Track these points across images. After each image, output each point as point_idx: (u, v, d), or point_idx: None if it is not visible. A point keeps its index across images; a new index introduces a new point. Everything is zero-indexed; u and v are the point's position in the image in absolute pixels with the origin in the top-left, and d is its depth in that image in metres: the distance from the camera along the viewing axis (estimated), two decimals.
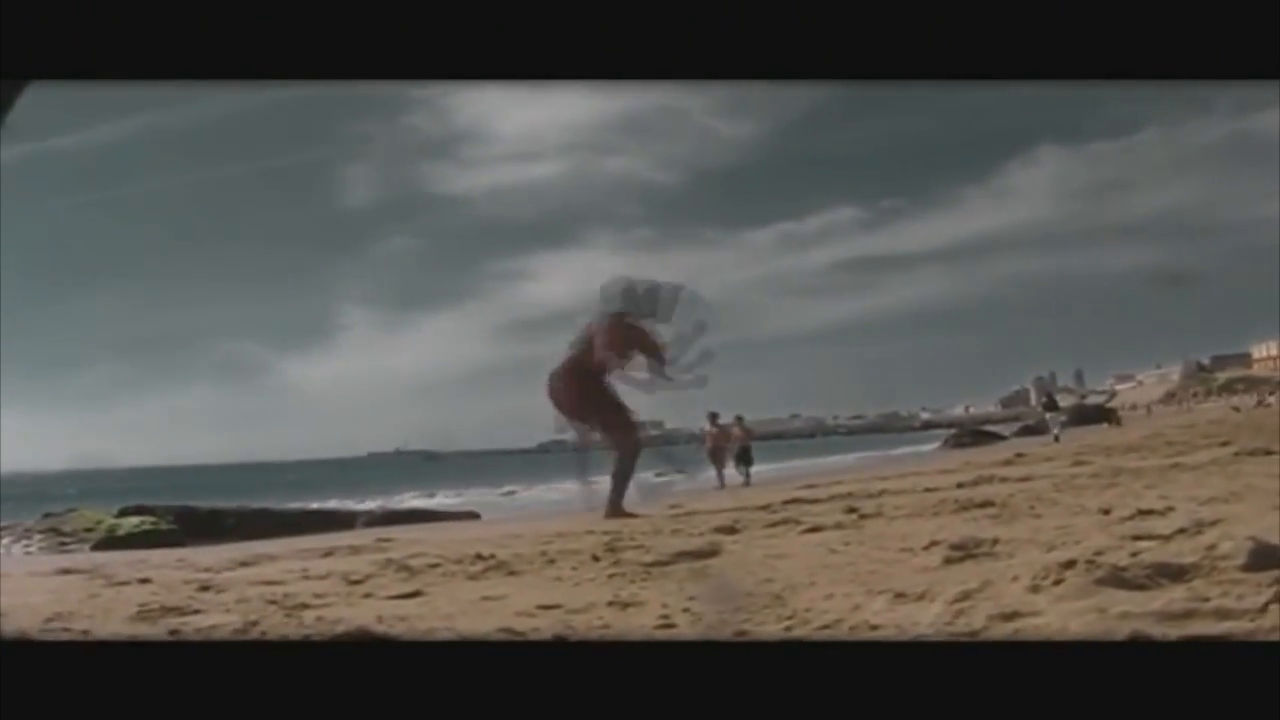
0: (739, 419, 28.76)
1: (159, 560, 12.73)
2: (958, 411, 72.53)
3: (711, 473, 27.69)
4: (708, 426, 28.06)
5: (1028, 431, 45.56)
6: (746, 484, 26.71)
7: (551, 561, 9.45)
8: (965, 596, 5.88)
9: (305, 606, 7.59)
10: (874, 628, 5.52)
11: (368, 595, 8.31)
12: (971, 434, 46.30)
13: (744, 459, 28.34)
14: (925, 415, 76.91)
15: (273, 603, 7.78)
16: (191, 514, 20.34)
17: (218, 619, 7.10)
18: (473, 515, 22.29)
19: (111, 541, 19.07)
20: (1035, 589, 5.87)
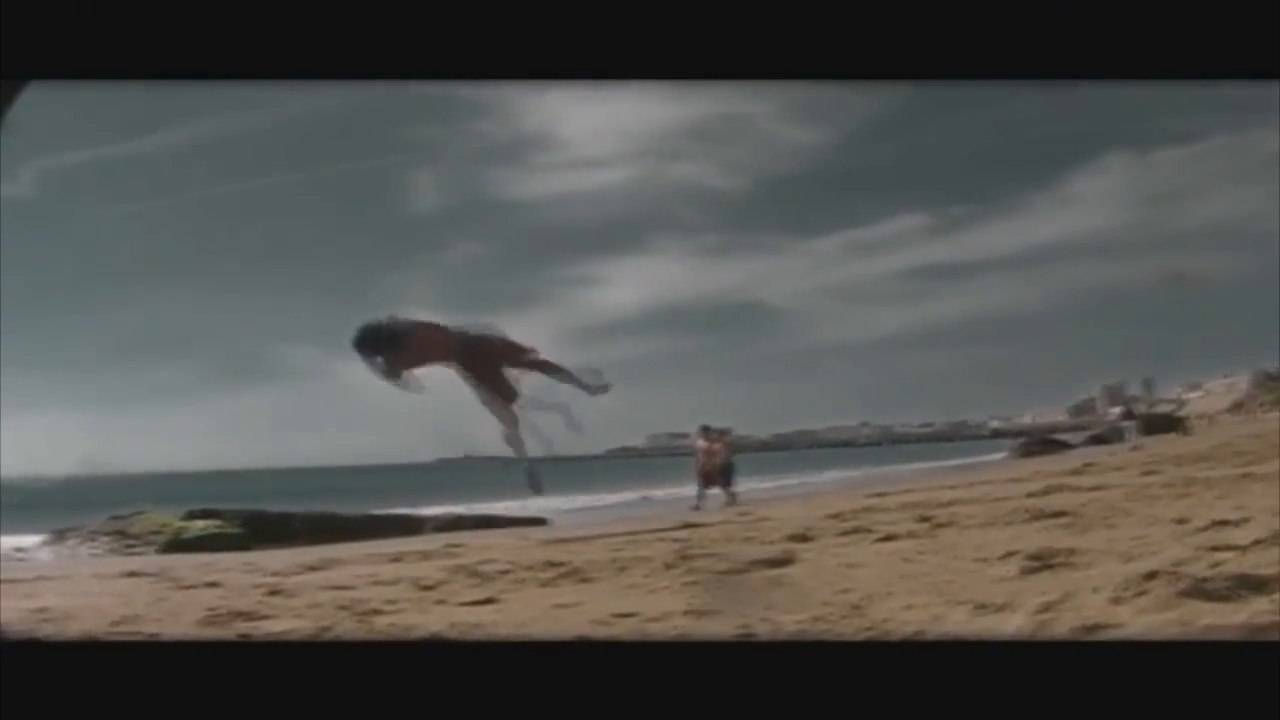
0: (722, 432, 25.97)
1: (227, 564, 12.75)
2: (1026, 420, 71.46)
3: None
4: (699, 442, 25.51)
5: (1096, 440, 44.91)
6: (731, 502, 23.74)
7: (623, 569, 9.43)
8: (1047, 608, 5.80)
9: (377, 612, 7.58)
10: (956, 639, 5.43)
11: (440, 601, 8.31)
12: (1040, 442, 45.60)
13: (724, 475, 25.08)
14: (994, 424, 75.99)
15: (344, 608, 7.77)
16: (258, 518, 20.11)
17: (288, 624, 7.09)
18: (540, 521, 22.10)
19: (178, 544, 18.85)
20: (1117, 600, 5.80)
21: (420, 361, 11.11)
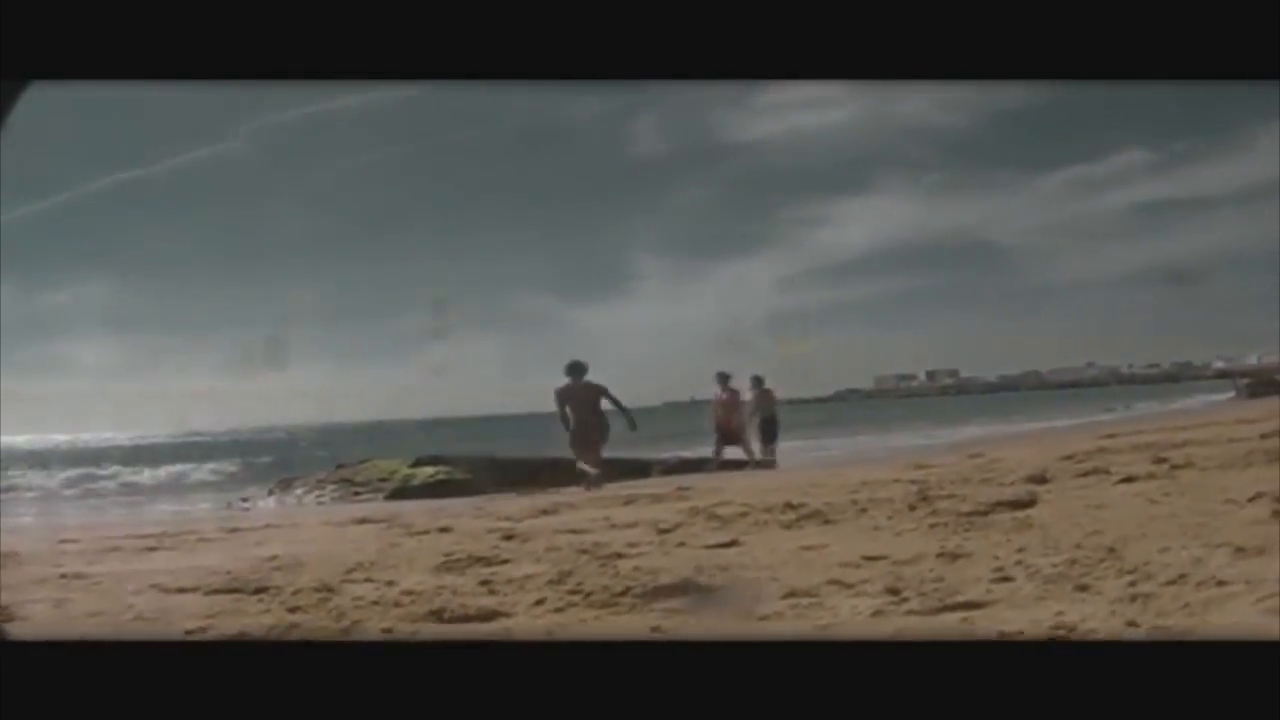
0: (759, 381, 23.09)
1: (457, 509, 13.11)
2: (1251, 361, 69.33)
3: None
4: (718, 392, 22.46)
5: None
6: (768, 464, 22.09)
7: (864, 510, 9.28)
8: None
9: (619, 556, 7.58)
10: (1221, 583, 5.25)
11: (681, 544, 8.26)
12: (1266, 384, 44.32)
13: (767, 432, 22.86)
14: (1219, 364, 74.19)
15: (584, 552, 7.80)
16: (486, 464, 20.40)
17: (529, 569, 7.12)
18: (769, 464, 21.79)
19: (406, 491, 19.29)
20: None
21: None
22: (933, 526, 8.07)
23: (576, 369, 17.93)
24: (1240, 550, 5.87)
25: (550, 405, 17.68)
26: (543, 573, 6.81)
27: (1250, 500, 7.77)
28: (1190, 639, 4.57)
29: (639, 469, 20.09)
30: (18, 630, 5.76)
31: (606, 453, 17.93)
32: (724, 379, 22.49)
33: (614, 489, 15.25)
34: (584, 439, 17.83)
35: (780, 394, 23.54)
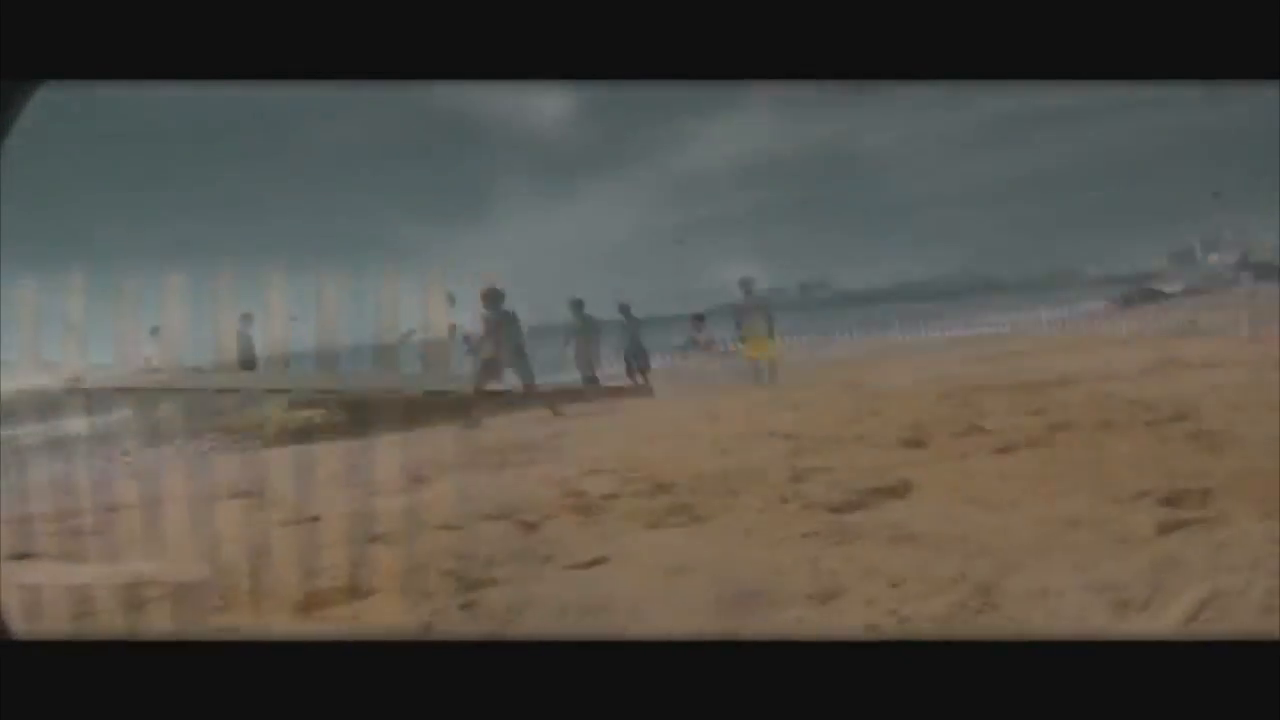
0: (625, 308, 23.19)
1: (328, 470, 12.44)
2: (1123, 269, 70.41)
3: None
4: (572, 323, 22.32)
5: (1194, 293, 44.19)
6: (642, 384, 22.64)
7: (735, 493, 9.06)
8: (1198, 611, 5.23)
9: (486, 583, 7.07)
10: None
11: (548, 559, 7.67)
12: (1140, 292, 45.10)
13: (638, 359, 23.11)
14: (1092, 271, 75.19)
15: (449, 573, 7.28)
16: (363, 404, 19.25)
17: (387, 613, 6.68)
18: (647, 391, 22.04)
19: (283, 437, 19.15)
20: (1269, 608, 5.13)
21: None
22: (805, 536, 7.61)
23: (499, 295, 18.77)
24: (1124, 604, 5.51)
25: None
26: (403, 626, 6.42)
27: (1134, 498, 7.58)
28: (1186, 639, 4.74)
29: (519, 400, 19.92)
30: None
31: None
32: (578, 307, 22.28)
33: (491, 439, 15.55)
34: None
35: (648, 312, 23.51)
